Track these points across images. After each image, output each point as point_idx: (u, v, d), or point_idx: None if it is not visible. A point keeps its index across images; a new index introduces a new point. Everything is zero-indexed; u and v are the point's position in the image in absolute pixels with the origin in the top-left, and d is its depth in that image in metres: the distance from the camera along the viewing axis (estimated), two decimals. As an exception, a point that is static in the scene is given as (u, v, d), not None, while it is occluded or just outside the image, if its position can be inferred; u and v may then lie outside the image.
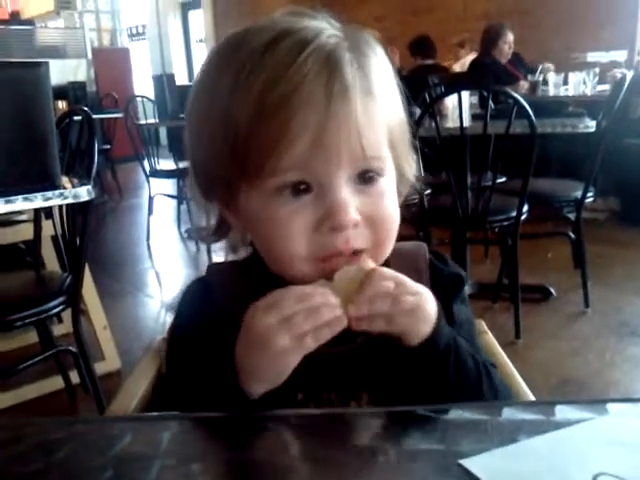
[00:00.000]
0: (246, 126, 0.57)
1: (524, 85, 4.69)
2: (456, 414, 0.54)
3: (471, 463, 0.45)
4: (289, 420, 0.56)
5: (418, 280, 0.63)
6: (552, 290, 3.07)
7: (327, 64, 0.58)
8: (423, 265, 0.71)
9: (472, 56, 5.46)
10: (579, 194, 2.75)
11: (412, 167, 0.69)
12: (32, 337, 2.44)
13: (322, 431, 0.54)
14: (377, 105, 0.61)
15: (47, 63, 1.76)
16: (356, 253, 0.60)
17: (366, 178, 0.61)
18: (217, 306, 0.67)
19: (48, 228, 2.28)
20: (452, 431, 0.52)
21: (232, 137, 0.59)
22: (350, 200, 0.59)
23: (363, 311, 0.56)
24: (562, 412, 0.52)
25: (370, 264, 0.60)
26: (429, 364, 0.61)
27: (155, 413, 0.74)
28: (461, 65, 5.88)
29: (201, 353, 0.63)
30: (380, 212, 0.62)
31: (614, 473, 0.45)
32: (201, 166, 0.66)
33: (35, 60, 1.84)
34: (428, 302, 0.60)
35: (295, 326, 0.54)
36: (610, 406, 0.52)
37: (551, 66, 4.91)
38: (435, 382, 0.61)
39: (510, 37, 4.71)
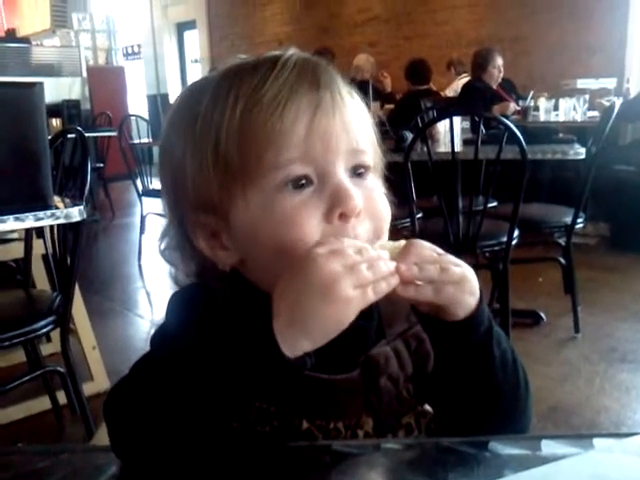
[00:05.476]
0: (238, 126, 0.59)
1: (513, 107, 4.72)
2: (443, 448, 0.54)
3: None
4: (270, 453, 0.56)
5: None
6: (542, 315, 3.08)
7: (307, 63, 0.61)
8: None
9: (464, 80, 5.51)
10: (569, 219, 2.77)
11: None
12: (19, 356, 2.42)
13: (308, 465, 0.54)
14: (359, 106, 0.64)
15: (42, 84, 1.77)
16: None
17: (357, 173, 0.62)
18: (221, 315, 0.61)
19: (39, 247, 2.27)
20: (439, 465, 0.53)
21: (224, 142, 0.59)
22: (353, 187, 0.60)
23: (413, 270, 0.54)
24: (548, 447, 0.53)
25: (403, 241, 0.59)
26: (474, 341, 0.59)
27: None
28: (454, 90, 5.93)
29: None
30: (376, 203, 0.63)
31: (599, 510, 0.46)
32: (184, 200, 0.66)
33: (30, 81, 1.84)
34: (472, 274, 0.59)
35: (360, 275, 0.52)
36: (596, 441, 0.53)
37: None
38: (480, 363, 0.60)
39: (499, 61, 4.75)
